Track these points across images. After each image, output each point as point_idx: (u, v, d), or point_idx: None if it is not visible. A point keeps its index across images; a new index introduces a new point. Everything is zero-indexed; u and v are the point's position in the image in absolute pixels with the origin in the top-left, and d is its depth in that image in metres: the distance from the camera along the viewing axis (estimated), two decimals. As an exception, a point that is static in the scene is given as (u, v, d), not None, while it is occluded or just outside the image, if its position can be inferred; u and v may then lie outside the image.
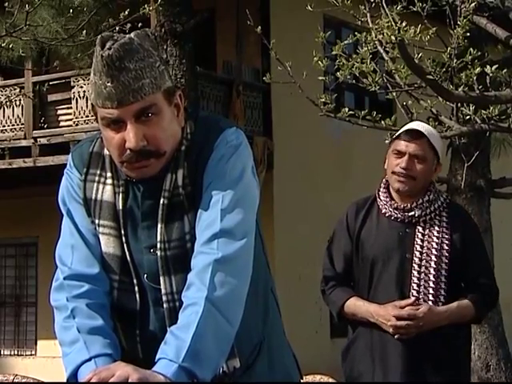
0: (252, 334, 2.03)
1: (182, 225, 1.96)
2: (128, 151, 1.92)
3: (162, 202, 1.97)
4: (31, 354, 14.02)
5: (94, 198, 2.03)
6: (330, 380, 3.03)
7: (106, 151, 2.04)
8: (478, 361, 9.37)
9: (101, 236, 2.02)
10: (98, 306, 1.96)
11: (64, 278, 2.00)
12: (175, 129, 1.99)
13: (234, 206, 1.94)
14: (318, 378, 3.03)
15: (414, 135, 3.25)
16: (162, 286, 1.96)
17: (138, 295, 1.99)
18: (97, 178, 2.04)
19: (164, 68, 1.97)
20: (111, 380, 1.74)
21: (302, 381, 2.27)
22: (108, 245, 2.01)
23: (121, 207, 2.00)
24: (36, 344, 14.03)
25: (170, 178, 1.98)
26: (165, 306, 1.96)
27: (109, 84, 1.90)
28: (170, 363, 1.78)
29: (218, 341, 1.84)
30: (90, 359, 1.88)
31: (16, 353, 14.19)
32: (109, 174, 2.03)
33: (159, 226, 1.96)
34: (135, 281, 2.00)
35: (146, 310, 2.00)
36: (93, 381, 1.75)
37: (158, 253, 1.96)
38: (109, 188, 2.02)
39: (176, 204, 1.97)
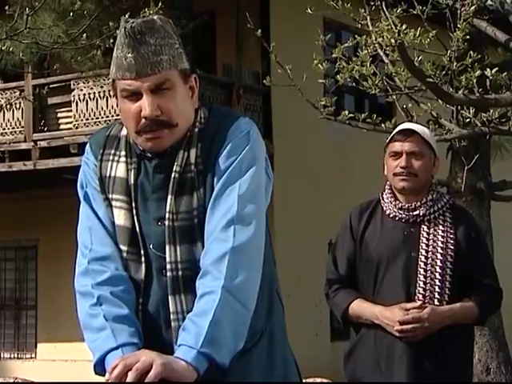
0: (253, 320, 2.07)
1: (191, 200, 2.06)
2: (143, 120, 2.04)
3: (173, 175, 2.07)
4: (31, 357, 14.01)
5: (108, 175, 2.14)
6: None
7: (122, 133, 2.16)
8: (479, 364, 9.36)
9: (113, 210, 2.12)
10: (121, 293, 2.06)
11: (88, 262, 2.10)
12: (188, 107, 2.10)
13: (250, 195, 2.04)
14: (318, 380, 3.03)
15: (407, 134, 3.31)
16: (167, 255, 2.05)
17: (143, 265, 2.08)
18: (111, 157, 2.15)
19: (182, 51, 2.10)
20: (137, 365, 1.85)
21: None
22: (119, 217, 2.11)
23: (132, 181, 2.11)
24: (36, 347, 14.02)
25: (182, 155, 2.08)
26: (168, 274, 2.05)
27: (129, 55, 2.03)
28: (190, 349, 1.89)
29: (236, 325, 1.95)
30: (117, 347, 1.98)
31: (16, 356, 14.18)
32: (123, 153, 2.14)
33: (169, 197, 2.07)
34: (142, 251, 2.09)
35: (150, 279, 2.08)
36: (120, 366, 1.86)
37: (166, 223, 2.06)
38: (122, 165, 2.13)
39: (187, 179, 2.07)
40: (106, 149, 2.16)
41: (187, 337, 1.92)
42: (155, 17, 2.10)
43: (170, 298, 2.04)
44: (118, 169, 2.13)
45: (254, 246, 2.02)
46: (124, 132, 2.16)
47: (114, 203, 2.12)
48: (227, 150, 2.06)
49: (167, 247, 2.05)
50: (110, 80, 2.12)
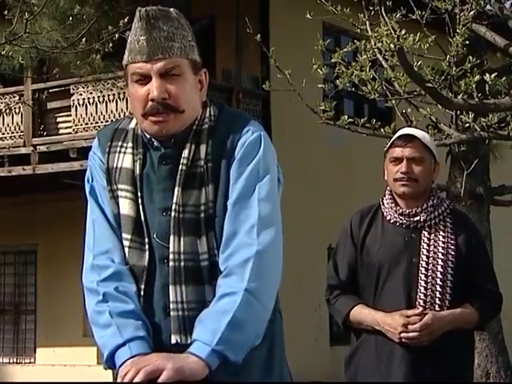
0: None
1: (199, 194, 2.10)
2: (150, 102, 2.09)
3: (180, 168, 2.11)
4: (30, 362, 13.99)
5: (115, 166, 2.18)
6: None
7: (130, 126, 2.20)
8: (478, 369, 9.35)
9: (119, 200, 2.16)
10: (125, 288, 2.10)
11: (93, 258, 2.15)
12: (196, 98, 2.15)
13: (269, 199, 2.12)
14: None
15: (407, 139, 3.31)
16: (171, 245, 2.09)
17: (147, 253, 2.12)
18: (118, 149, 2.19)
19: (195, 45, 2.15)
20: (146, 367, 1.91)
21: None
22: (124, 207, 2.15)
23: (138, 172, 2.15)
24: (35, 352, 13.99)
25: (189, 148, 2.12)
26: (171, 264, 2.08)
27: (142, 37, 2.08)
28: (204, 346, 1.96)
29: (254, 325, 2.02)
30: (124, 344, 2.03)
31: (15, 361, 14.16)
32: (130, 144, 2.18)
33: (176, 189, 2.11)
34: (146, 240, 2.13)
35: (153, 268, 2.12)
36: (132, 371, 1.92)
37: (172, 214, 2.10)
38: (129, 156, 2.17)
39: (196, 174, 2.11)
40: (114, 141, 2.20)
41: (203, 333, 1.98)
42: (171, 9, 2.14)
43: (170, 287, 2.08)
44: (125, 160, 2.17)
45: (276, 248, 2.12)
46: (132, 125, 2.20)
47: (120, 193, 2.15)
48: (241, 154, 2.10)
49: (171, 238, 2.09)
50: (124, 65, 2.15)
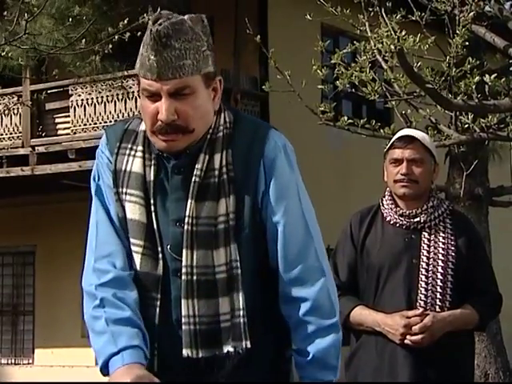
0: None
1: (215, 205, 2.06)
2: (159, 122, 2.04)
3: (193, 179, 2.06)
4: (28, 363, 13.99)
5: (123, 168, 2.13)
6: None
7: (141, 128, 2.15)
8: (477, 370, 9.34)
9: (126, 203, 2.11)
10: (124, 294, 2.07)
11: (94, 260, 2.11)
12: (208, 110, 2.09)
13: (314, 221, 2.21)
14: None
15: (407, 140, 3.30)
16: (184, 258, 2.05)
17: (161, 261, 2.08)
18: (127, 151, 2.14)
19: (209, 54, 2.08)
20: None
21: None
22: (134, 212, 2.10)
23: (152, 178, 2.10)
24: (33, 353, 13.99)
25: (203, 158, 2.07)
26: (183, 277, 2.04)
27: (152, 57, 2.02)
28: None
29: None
30: (118, 352, 2.00)
31: (13, 362, 14.15)
32: (140, 148, 2.13)
33: (189, 201, 2.05)
34: (159, 249, 2.08)
35: (168, 278, 2.08)
36: None
37: (185, 227, 2.05)
38: (138, 160, 2.12)
39: (210, 184, 2.06)
40: (123, 142, 2.14)
41: (329, 372, 2.12)
42: (186, 17, 2.06)
43: (182, 301, 2.04)
44: (134, 164, 2.11)
45: None
46: (142, 127, 2.14)
47: (128, 197, 2.10)
48: (276, 172, 2.10)
49: (184, 251, 2.05)
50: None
